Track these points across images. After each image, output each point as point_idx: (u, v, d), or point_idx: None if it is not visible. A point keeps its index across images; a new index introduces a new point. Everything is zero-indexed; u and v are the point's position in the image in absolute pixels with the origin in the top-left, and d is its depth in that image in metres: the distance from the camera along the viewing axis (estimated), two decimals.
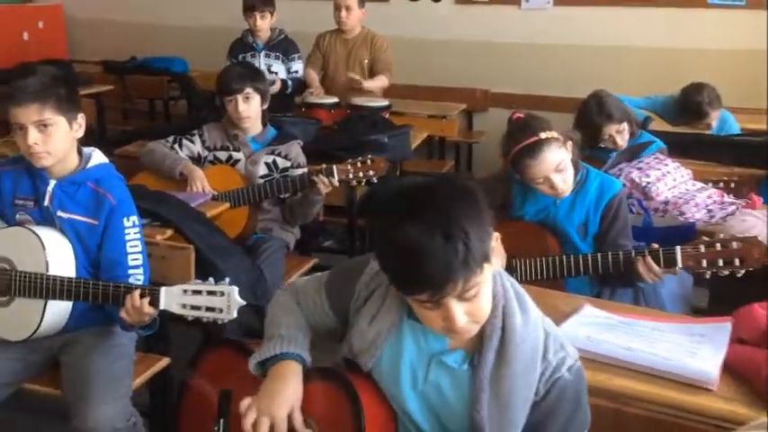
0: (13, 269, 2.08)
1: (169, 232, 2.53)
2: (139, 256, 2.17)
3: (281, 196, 3.07)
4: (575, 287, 2.37)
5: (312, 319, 1.58)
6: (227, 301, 1.85)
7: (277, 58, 4.62)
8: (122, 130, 5.11)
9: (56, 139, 2.08)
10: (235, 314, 1.86)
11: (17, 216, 2.18)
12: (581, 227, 2.44)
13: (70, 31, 7.22)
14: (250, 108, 3.07)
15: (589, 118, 3.14)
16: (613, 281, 2.39)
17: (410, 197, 1.28)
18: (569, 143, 2.40)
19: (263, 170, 3.09)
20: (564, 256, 2.35)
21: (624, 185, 2.72)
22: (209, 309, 1.87)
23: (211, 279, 1.93)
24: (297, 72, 4.65)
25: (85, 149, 2.24)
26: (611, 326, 1.84)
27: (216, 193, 2.99)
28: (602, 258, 2.27)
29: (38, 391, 2.17)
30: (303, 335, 1.53)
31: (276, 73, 4.59)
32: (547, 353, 1.37)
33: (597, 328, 1.81)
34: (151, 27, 6.65)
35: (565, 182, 2.36)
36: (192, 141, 3.15)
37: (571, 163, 2.39)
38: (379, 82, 4.70)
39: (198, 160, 3.14)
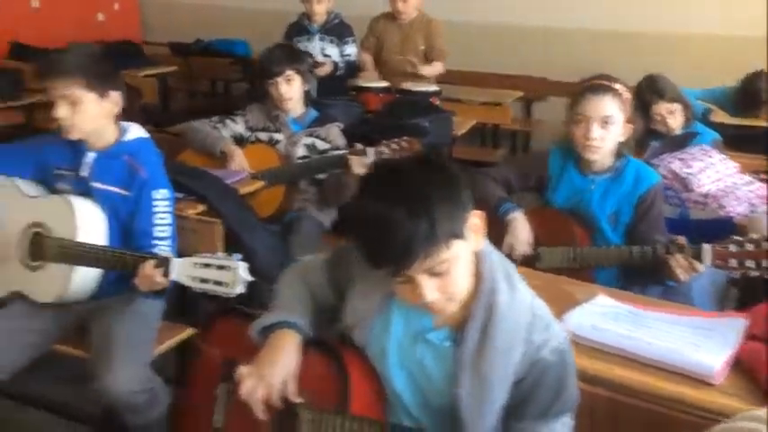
0: (46, 235, 2.18)
1: (201, 207, 2.60)
2: (167, 228, 2.24)
3: (317, 176, 3.11)
4: (603, 280, 2.32)
5: (317, 296, 1.59)
6: (233, 276, 1.89)
7: (332, 41, 4.66)
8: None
9: (84, 115, 2.17)
10: (239, 290, 1.88)
11: (57, 185, 2.29)
12: (612, 216, 2.38)
13: (144, 14, 7.47)
14: (291, 90, 3.12)
15: (640, 96, 3.08)
16: (643, 277, 2.29)
17: (381, 174, 1.32)
18: (630, 124, 2.36)
19: (301, 151, 3.13)
20: (590, 247, 2.30)
21: (664, 176, 2.65)
22: (216, 282, 1.91)
23: (236, 255, 1.97)
24: (350, 55, 4.67)
25: (123, 124, 2.32)
26: (617, 315, 1.80)
27: (253, 172, 3.06)
28: (629, 251, 2.20)
29: (69, 354, 2.28)
30: (303, 307, 1.55)
31: (330, 56, 4.63)
32: (531, 333, 1.37)
33: (603, 318, 1.78)
34: (218, 9, 6.81)
35: (602, 139, 2.31)
36: (234, 121, 3.21)
37: (617, 143, 2.36)
38: (435, 69, 4.68)
39: (240, 140, 3.20)
